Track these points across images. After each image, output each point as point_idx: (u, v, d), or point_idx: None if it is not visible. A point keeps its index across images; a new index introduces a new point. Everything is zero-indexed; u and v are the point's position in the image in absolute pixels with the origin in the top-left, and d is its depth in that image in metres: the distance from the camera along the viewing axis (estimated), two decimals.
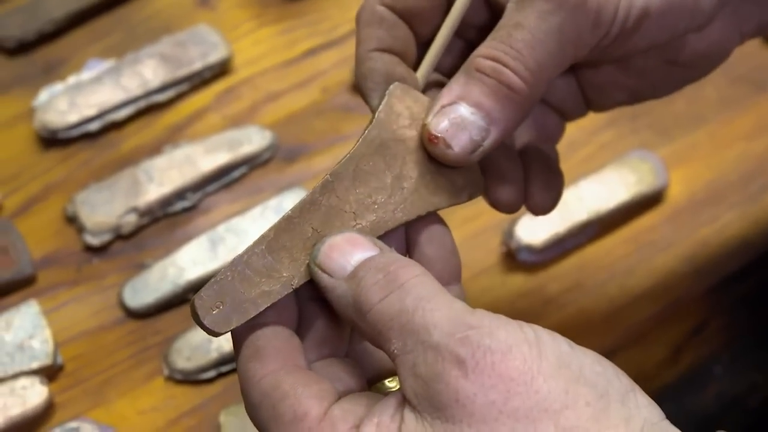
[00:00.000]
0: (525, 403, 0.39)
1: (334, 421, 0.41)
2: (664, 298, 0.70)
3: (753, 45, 0.80)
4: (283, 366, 0.44)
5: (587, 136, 0.76)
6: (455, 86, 0.48)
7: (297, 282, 0.45)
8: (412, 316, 0.41)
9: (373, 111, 0.49)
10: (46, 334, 0.66)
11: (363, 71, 0.50)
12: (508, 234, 0.70)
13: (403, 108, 0.49)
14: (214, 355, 0.66)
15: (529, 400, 0.39)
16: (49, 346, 0.65)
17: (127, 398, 0.66)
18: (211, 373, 0.66)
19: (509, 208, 0.52)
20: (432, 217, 0.49)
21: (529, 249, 0.70)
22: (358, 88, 0.51)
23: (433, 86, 0.52)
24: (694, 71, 0.54)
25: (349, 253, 0.44)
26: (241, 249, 0.68)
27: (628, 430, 0.39)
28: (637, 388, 0.41)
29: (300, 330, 0.46)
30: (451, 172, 0.49)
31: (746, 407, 0.72)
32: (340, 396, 0.43)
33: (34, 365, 0.65)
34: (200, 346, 0.66)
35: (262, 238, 0.45)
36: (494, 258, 0.71)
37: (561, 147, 0.75)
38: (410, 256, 0.49)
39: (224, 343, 0.66)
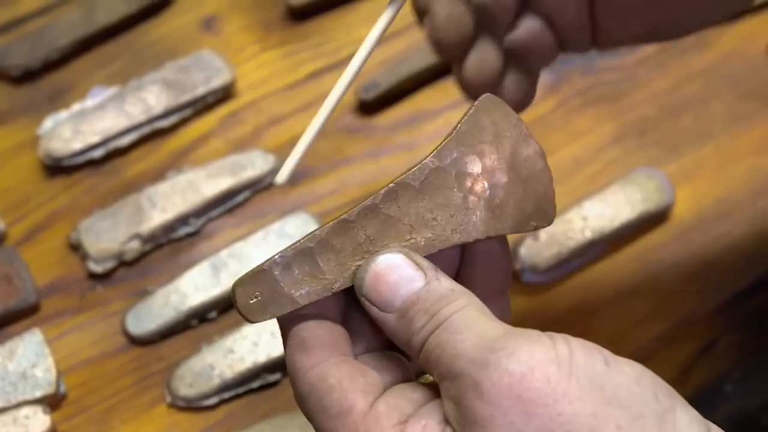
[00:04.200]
0: (547, 425, 0.38)
1: (378, 417, 0.42)
2: (671, 316, 0.70)
3: (760, 59, 0.80)
4: (330, 356, 0.44)
5: (593, 154, 0.76)
6: None
7: (338, 287, 0.45)
8: (444, 348, 0.42)
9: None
10: (49, 362, 0.66)
11: None
12: (513, 255, 0.70)
13: (489, 123, 0.46)
14: (216, 381, 0.66)
15: (552, 422, 0.38)
16: (52, 375, 0.65)
17: (130, 426, 0.66)
18: (214, 400, 0.66)
19: (477, 92, 0.49)
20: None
21: (534, 269, 0.69)
22: None
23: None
24: (716, 10, 0.52)
25: (394, 286, 0.44)
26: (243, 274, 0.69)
27: None
28: (679, 405, 0.40)
29: (347, 324, 0.46)
30: (522, 199, 0.46)
31: (759, 426, 0.71)
32: (387, 388, 0.44)
33: (37, 394, 0.65)
34: (202, 373, 0.66)
35: (314, 236, 0.45)
36: None
37: (566, 164, 0.75)
38: (461, 267, 0.47)
39: (226, 370, 0.66)
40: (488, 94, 0.46)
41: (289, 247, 0.45)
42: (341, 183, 0.75)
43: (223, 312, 0.69)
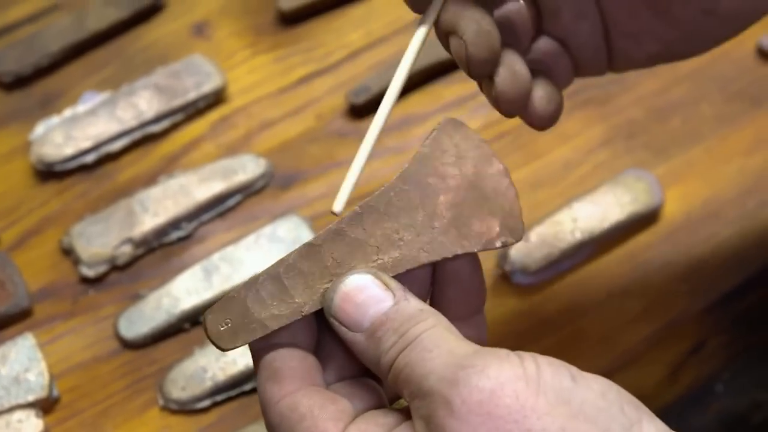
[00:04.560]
0: None
1: None
2: (661, 317, 0.70)
3: (749, 60, 0.80)
4: (301, 387, 0.45)
5: (582, 156, 0.76)
6: None
7: (307, 309, 0.46)
8: (414, 367, 0.42)
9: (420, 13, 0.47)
10: (42, 366, 0.66)
11: None
12: (503, 256, 0.70)
13: (450, 145, 0.47)
14: (208, 384, 0.66)
15: None
16: (45, 379, 0.66)
17: (122, 429, 0.66)
18: (206, 403, 0.66)
19: (512, 105, 0.50)
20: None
21: (524, 271, 0.69)
22: None
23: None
24: (728, 27, 0.53)
25: (363, 306, 0.45)
26: (235, 278, 0.69)
27: None
28: (645, 417, 0.40)
29: (319, 352, 0.47)
30: (489, 216, 0.47)
31: (749, 425, 0.71)
32: (358, 414, 0.44)
33: (30, 398, 0.65)
34: (195, 376, 0.66)
35: (281, 261, 0.46)
36: (489, 281, 0.70)
37: (555, 167, 0.75)
38: (432, 286, 0.48)
39: (218, 373, 0.66)
40: (450, 117, 0.48)
41: (258, 274, 0.46)
42: (332, 186, 0.75)
43: None
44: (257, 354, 0.46)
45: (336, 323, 0.45)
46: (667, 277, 0.71)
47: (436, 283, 0.48)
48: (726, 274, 0.71)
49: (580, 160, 0.76)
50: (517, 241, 0.47)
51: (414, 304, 0.44)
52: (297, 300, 0.45)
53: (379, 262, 0.46)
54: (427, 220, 0.46)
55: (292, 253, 0.46)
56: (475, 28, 0.48)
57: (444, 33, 0.50)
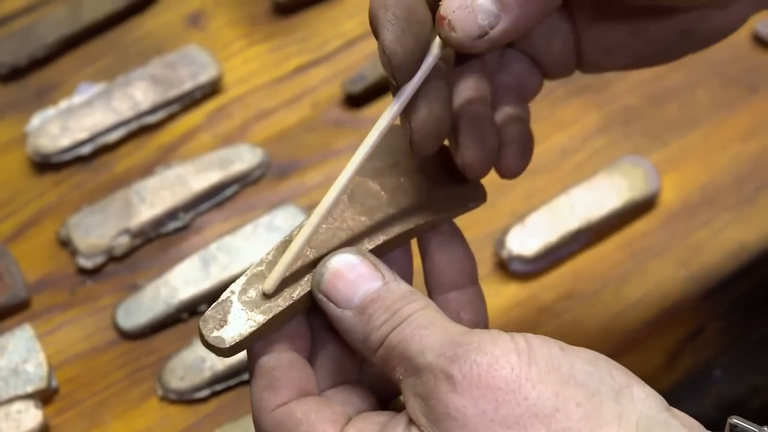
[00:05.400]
0: (515, 410, 0.40)
1: None
2: (659, 303, 0.70)
3: (744, 46, 0.80)
4: (297, 396, 0.45)
5: (579, 143, 0.76)
6: None
7: (297, 294, 0.46)
8: (409, 343, 0.43)
9: (381, 41, 0.45)
10: (41, 357, 0.66)
11: (384, 2, 0.45)
12: (500, 244, 0.70)
13: (386, 145, 0.50)
14: (207, 374, 0.66)
15: (519, 407, 0.40)
16: (44, 370, 0.66)
17: (122, 419, 0.66)
18: (205, 392, 0.66)
19: (478, 171, 0.50)
20: (441, 223, 0.50)
21: (521, 259, 0.70)
22: (371, 17, 0.46)
23: None
24: (704, 43, 0.53)
25: (353, 283, 0.45)
26: (233, 267, 0.69)
27: (622, 426, 0.40)
28: (634, 382, 0.42)
29: (312, 357, 0.48)
30: (448, 186, 0.50)
31: (747, 410, 0.72)
32: (352, 418, 0.45)
33: (29, 389, 0.65)
34: (193, 366, 0.66)
35: (261, 261, 0.47)
36: (487, 268, 0.70)
37: (552, 154, 0.75)
38: (423, 264, 0.50)
39: (217, 362, 0.66)
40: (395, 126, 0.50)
41: (243, 275, 0.47)
42: (329, 176, 0.75)
43: None
44: (254, 360, 0.47)
45: (324, 299, 0.45)
46: (665, 264, 0.71)
47: (424, 256, 0.50)
48: (723, 259, 0.71)
49: (577, 147, 0.76)
50: (483, 202, 0.50)
51: (404, 286, 0.45)
52: (284, 293, 0.46)
53: (356, 243, 0.48)
54: (391, 199, 0.49)
55: (270, 251, 0.47)
56: (425, 114, 0.46)
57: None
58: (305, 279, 0.47)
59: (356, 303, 0.45)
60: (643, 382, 0.42)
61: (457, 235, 0.50)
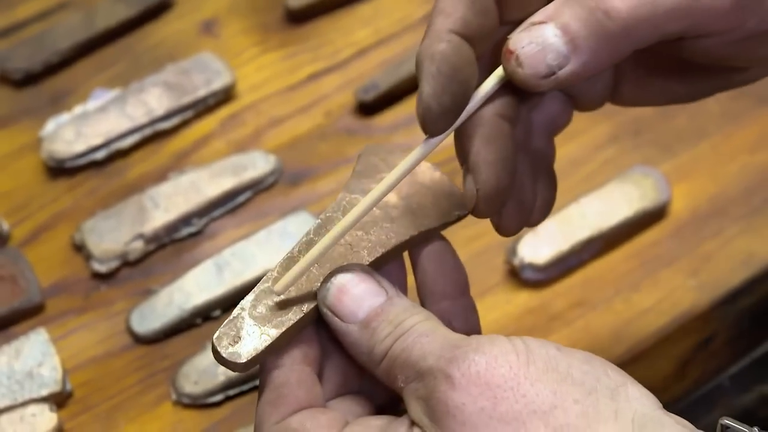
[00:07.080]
0: (513, 407, 0.41)
1: None
2: (669, 312, 0.70)
3: None
4: (298, 411, 0.46)
5: (589, 153, 0.77)
6: (552, 5, 0.44)
7: (306, 308, 0.47)
8: (411, 351, 0.44)
9: (420, 92, 0.45)
10: (55, 361, 0.66)
11: (432, 52, 0.45)
12: (512, 252, 0.70)
13: (378, 160, 0.52)
14: (221, 378, 0.66)
15: (517, 404, 0.41)
16: (58, 374, 0.66)
17: (135, 423, 0.66)
18: (219, 397, 0.66)
19: (512, 233, 0.51)
20: (432, 237, 0.51)
21: (533, 267, 0.70)
22: (417, 62, 0.45)
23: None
24: (741, 84, 0.53)
25: (359, 299, 0.46)
26: (247, 273, 0.70)
27: (618, 423, 0.41)
28: (629, 381, 0.43)
29: (319, 368, 0.48)
30: (436, 199, 0.51)
31: (756, 419, 0.72)
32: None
33: (44, 392, 0.65)
34: (207, 370, 0.66)
35: (267, 278, 0.48)
36: (498, 276, 0.71)
37: (563, 164, 0.75)
38: (414, 276, 0.51)
39: None
40: (368, 145, 0.52)
41: (251, 292, 0.48)
42: (341, 183, 0.75)
43: (227, 310, 0.70)
44: (265, 374, 0.47)
45: (330, 314, 0.47)
46: (675, 273, 0.71)
47: (415, 267, 0.51)
48: (733, 269, 0.72)
49: (588, 157, 0.77)
50: (468, 211, 0.49)
51: (406, 301, 0.47)
52: (293, 306, 0.47)
53: (356, 256, 0.49)
54: (383, 214, 0.50)
55: (275, 267, 0.48)
56: (494, 183, 0.46)
57: (461, 159, 0.48)
58: (311, 293, 0.48)
59: (361, 317, 0.46)
60: (637, 382, 0.43)
61: (448, 246, 0.51)
